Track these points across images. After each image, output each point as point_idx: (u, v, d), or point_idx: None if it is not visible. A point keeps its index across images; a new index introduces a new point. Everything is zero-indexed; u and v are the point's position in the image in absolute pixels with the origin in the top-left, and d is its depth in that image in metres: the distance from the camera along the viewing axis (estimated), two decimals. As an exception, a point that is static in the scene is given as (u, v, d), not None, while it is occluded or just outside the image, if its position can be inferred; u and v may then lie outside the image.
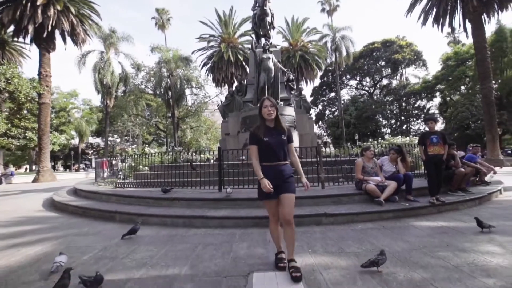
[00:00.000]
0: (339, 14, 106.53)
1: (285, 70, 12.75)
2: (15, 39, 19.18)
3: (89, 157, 55.31)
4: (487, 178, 7.00)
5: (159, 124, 38.92)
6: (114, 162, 9.75)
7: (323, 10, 39.01)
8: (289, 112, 10.03)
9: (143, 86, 33.31)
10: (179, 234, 3.90)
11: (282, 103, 10.63)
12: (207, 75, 31.18)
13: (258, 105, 2.63)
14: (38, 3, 16.49)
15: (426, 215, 4.54)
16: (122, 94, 32.07)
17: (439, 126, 42.04)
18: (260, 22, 13.16)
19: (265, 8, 12.76)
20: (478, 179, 6.73)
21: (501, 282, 2.18)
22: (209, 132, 36.60)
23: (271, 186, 2.39)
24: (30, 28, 16.93)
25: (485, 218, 4.33)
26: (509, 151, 35.93)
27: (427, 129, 4.97)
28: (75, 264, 2.84)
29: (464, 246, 3.04)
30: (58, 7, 17.34)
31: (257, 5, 13.27)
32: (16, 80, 15.67)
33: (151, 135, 44.54)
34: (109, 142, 38.10)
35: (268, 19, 13.08)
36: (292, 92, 12.61)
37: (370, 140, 14.85)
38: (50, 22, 17.06)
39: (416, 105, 42.68)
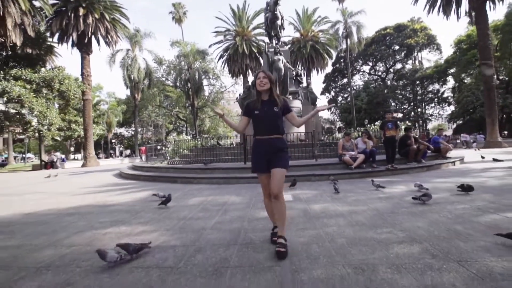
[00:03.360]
0: (350, 1, 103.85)
1: (293, 69, 14.93)
2: (60, 43, 22.17)
3: (114, 146, 60.03)
4: (448, 154, 9.08)
5: (179, 114, 42.07)
6: (158, 147, 12.50)
7: (334, -4, 39.66)
8: (296, 104, 12.28)
9: (163, 79, 36.32)
10: (223, 187, 6.44)
11: (291, 96, 12.87)
12: (223, 67, 33.37)
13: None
14: (80, 13, 19.23)
15: (382, 176, 6.82)
16: (147, 87, 35.10)
17: (452, 108, 42.50)
18: (272, 24, 15.30)
19: (275, 13, 14.85)
20: (440, 154, 8.84)
21: (387, 195, 4.50)
22: (225, 121, 39.18)
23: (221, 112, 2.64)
24: (74, 35, 19.80)
25: (421, 177, 6.58)
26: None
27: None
28: (173, 197, 5.41)
29: (387, 185, 5.34)
30: (96, 16, 20.02)
31: (268, 9, 15.34)
32: (66, 81, 18.71)
33: (171, 124, 48.01)
34: (133, 132, 41.74)
35: (279, 22, 15.20)
36: (300, 85, 14.79)
37: (368, 124, 16.89)
38: (90, 29, 19.84)
39: (429, 89, 43.11)
